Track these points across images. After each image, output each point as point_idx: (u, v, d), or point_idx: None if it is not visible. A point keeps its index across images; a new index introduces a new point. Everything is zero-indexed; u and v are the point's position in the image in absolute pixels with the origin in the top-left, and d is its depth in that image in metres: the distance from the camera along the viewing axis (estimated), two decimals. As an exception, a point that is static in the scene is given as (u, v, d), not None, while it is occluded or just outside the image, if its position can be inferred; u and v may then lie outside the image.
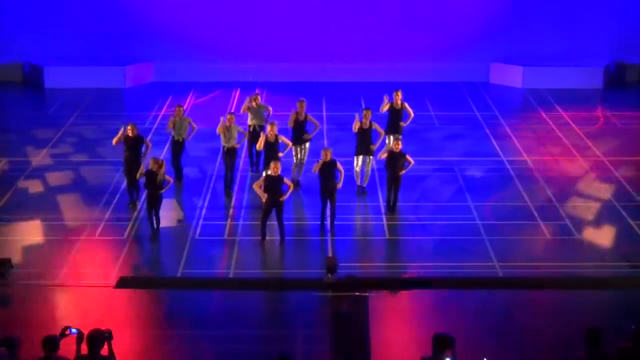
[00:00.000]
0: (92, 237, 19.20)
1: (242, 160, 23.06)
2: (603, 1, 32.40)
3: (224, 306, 16.46)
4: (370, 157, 21.35)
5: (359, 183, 21.45)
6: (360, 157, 21.27)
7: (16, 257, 17.78)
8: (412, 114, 22.81)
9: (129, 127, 20.58)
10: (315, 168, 19.42)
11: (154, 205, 19.00)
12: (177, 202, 20.99)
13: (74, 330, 11.28)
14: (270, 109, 22.80)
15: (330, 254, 18.19)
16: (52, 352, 11.01)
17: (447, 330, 11.30)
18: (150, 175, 18.86)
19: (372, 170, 21.83)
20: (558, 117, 27.95)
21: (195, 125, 22.18)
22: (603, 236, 19.37)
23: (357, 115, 21.27)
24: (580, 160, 23.96)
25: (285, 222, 18.94)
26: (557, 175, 22.95)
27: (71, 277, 17.41)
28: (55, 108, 29.21)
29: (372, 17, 32.29)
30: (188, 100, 29.57)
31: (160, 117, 27.69)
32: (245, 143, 22.78)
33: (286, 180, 18.82)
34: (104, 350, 11.12)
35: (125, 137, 20.57)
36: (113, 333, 11.27)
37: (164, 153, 23.33)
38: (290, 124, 21.87)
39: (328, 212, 19.43)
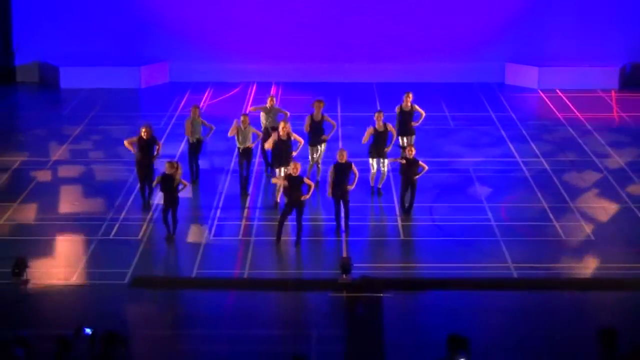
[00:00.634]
0: (107, 237, 19.25)
1: (257, 160, 23.03)
2: (619, 2, 32.27)
3: (238, 306, 16.46)
4: (384, 158, 21.30)
5: (372, 184, 21.40)
6: (375, 160, 21.22)
7: (32, 256, 17.83)
8: (424, 114, 22.76)
9: (142, 129, 20.58)
10: (331, 175, 19.28)
11: (171, 207, 18.97)
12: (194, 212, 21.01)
13: (88, 331, 11.33)
14: (287, 113, 22.59)
15: (345, 255, 18.19)
16: (66, 352, 11.06)
17: (461, 331, 11.29)
18: (167, 179, 18.83)
19: (387, 171, 21.76)
20: (573, 118, 27.86)
21: (211, 125, 22.13)
22: (618, 237, 19.30)
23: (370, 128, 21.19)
24: (596, 161, 23.88)
25: (302, 223, 18.91)
26: (573, 176, 22.88)
27: (86, 276, 17.46)
28: (71, 108, 29.28)
29: (388, 18, 32.22)
30: (204, 100, 29.60)
31: (175, 117, 27.71)
32: (260, 144, 22.70)
33: (307, 180, 18.77)
34: (119, 351, 11.15)
35: (139, 139, 20.57)
36: (127, 333, 11.31)
37: (179, 154, 23.40)
38: (306, 129, 21.81)
39: (342, 213, 19.42)
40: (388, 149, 21.31)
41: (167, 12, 32.22)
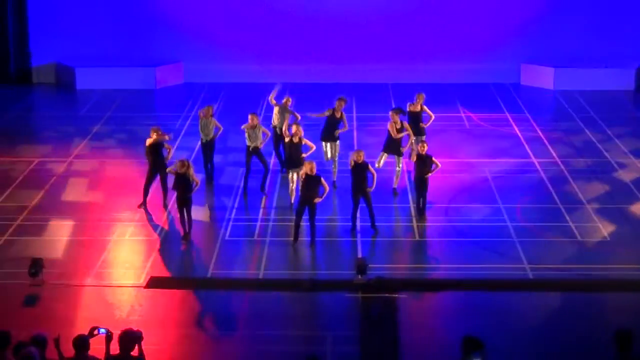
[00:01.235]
0: (123, 238, 19.30)
1: (272, 160, 23.01)
2: (636, 2, 32.18)
3: (253, 307, 16.46)
4: (399, 157, 21.30)
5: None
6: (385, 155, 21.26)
7: (48, 257, 17.88)
8: (433, 117, 22.69)
9: (152, 132, 20.56)
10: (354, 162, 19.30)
11: (185, 206, 19.01)
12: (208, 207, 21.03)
13: (102, 331, 11.34)
14: (299, 116, 22.56)
15: (360, 256, 18.18)
16: (83, 352, 11.07)
17: (476, 332, 11.25)
18: (179, 177, 18.85)
19: (402, 171, 21.75)
20: (589, 119, 27.79)
21: (220, 126, 22.18)
22: (634, 238, 19.24)
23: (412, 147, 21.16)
24: (612, 162, 23.81)
25: (317, 223, 18.92)
26: (588, 176, 22.82)
27: (102, 277, 17.52)
28: (87, 109, 29.38)
29: (404, 19, 32.22)
30: (218, 101, 29.64)
31: (190, 118, 27.76)
32: (273, 144, 22.66)
33: (323, 182, 18.75)
34: (135, 351, 11.17)
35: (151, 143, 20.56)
36: (143, 333, 11.32)
37: (194, 155, 23.45)
38: (320, 115, 22.04)
39: (359, 214, 19.41)
40: (404, 149, 21.31)
41: (182, 13, 32.31)
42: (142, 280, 17.29)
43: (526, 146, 25.23)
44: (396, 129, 21.15)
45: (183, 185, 18.85)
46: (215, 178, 22.37)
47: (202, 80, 32.01)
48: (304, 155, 20.28)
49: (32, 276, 16.86)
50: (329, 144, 21.87)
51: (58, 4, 32.25)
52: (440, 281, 17.36)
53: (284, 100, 22.59)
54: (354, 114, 27.76)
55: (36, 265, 16.91)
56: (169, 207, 20.54)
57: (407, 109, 22.59)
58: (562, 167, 23.50)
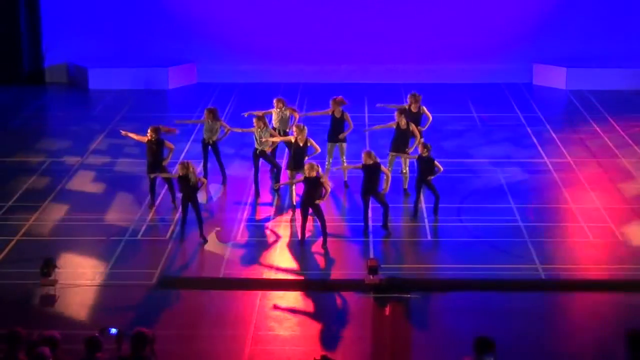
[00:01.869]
0: (135, 237, 19.34)
1: (284, 160, 23.02)
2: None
3: (264, 307, 16.46)
4: (406, 159, 21.25)
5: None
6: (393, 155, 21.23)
7: (60, 257, 17.93)
8: (431, 118, 22.45)
9: (149, 130, 20.57)
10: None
11: (192, 206, 18.97)
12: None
13: (113, 331, 11.36)
14: (297, 114, 22.54)
15: (372, 256, 18.17)
16: (95, 352, 11.09)
17: (488, 332, 11.24)
18: (182, 180, 18.82)
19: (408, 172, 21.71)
20: (602, 120, 27.70)
21: (228, 128, 22.18)
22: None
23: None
24: (624, 163, 23.74)
25: (327, 223, 18.90)
26: (601, 177, 22.76)
27: (114, 277, 17.55)
28: (100, 109, 29.45)
29: (416, 19, 32.20)
30: (230, 102, 29.66)
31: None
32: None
33: (324, 183, 18.67)
34: (146, 351, 11.18)
35: (147, 140, 20.54)
36: (155, 333, 11.34)
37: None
38: (321, 113, 22.13)
39: (370, 214, 19.40)
40: (411, 149, 21.21)
41: (194, 13, 32.34)
42: (154, 280, 17.32)
43: (538, 146, 25.18)
44: (402, 129, 21.03)
45: (187, 186, 18.81)
46: (228, 178, 22.37)
47: (215, 80, 32.04)
48: (307, 157, 20.26)
49: (44, 276, 16.89)
50: (334, 145, 21.80)
51: (71, 5, 32.31)
52: (452, 281, 17.34)
53: (275, 104, 22.31)
54: (366, 114, 27.75)
55: (48, 265, 16.95)
56: (179, 206, 20.55)
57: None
58: (574, 166, 23.44)
